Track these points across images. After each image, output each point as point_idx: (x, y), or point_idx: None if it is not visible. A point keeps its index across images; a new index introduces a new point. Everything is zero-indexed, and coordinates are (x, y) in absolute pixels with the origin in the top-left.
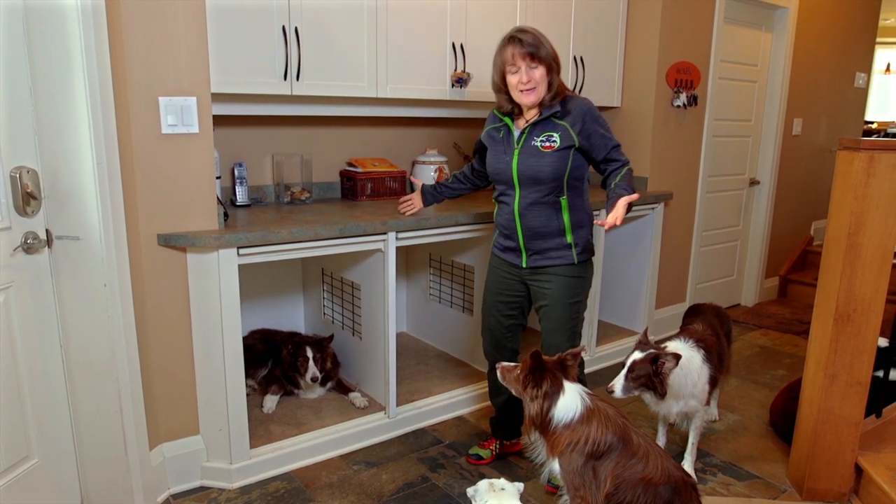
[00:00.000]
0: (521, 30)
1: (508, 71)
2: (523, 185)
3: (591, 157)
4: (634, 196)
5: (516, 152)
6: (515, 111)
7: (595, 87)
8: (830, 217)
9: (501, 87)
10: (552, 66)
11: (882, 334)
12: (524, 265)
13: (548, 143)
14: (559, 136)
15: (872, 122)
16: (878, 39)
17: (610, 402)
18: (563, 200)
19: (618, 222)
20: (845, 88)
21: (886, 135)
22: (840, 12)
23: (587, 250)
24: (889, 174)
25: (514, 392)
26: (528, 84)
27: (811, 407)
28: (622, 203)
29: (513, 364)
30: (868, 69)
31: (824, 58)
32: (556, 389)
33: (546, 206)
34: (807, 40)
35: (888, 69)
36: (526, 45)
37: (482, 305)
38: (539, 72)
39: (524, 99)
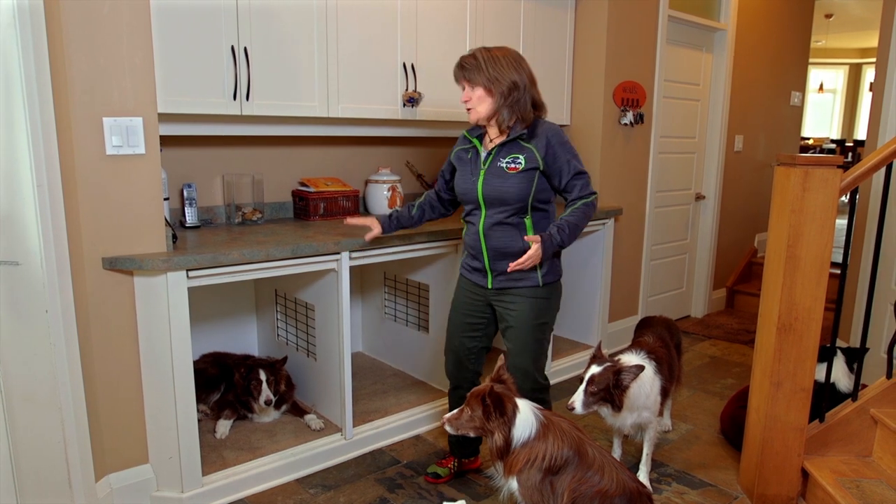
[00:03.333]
0: (468, 55)
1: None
2: (489, 205)
3: (553, 183)
4: (537, 251)
5: (482, 172)
6: (484, 131)
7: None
8: (770, 230)
9: None
10: (491, 89)
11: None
12: (490, 286)
13: (513, 165)
14: (525, 157)
15: (809, 139)
16: (811, 60)
17: (563, 415)
18: (528, 221)
19: (522, 267)
20: (782, 106)
21: (822, 150)
22: (775, 35)
23: (552, 272)
24: (823, 188)
25: (471, 434)
26: (466, 103)
27: (758, 414)
28: (530, 252)
29: (456, 411)
30: (802, 88)
31: (762, 77)
32: (515, 409)
33: (510, 226)
34: (745, 61)
35: (821, 88)
36: (462, 68)
37: (448, 325)
38: (477, 93)
39: (469, 117)
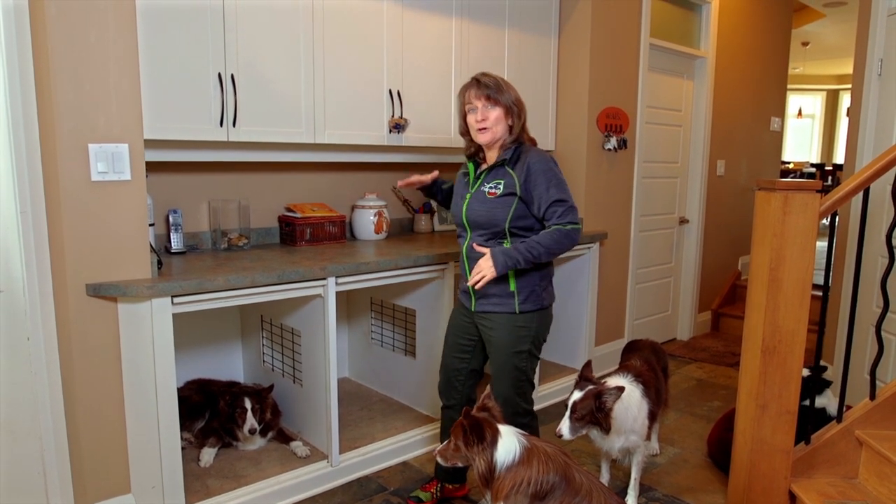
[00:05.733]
0: (484, 73)
1: (468, 111)
2: (472, 227)
3: (532, 211)
4: (486, 262)
5: (468, 196)
6: (480, 155)
7: (529, 131)
8: (753, 254)
9: (465, 129)
10: (511, 108)
11: (805, 362)
12: (473, 308)
13: (493, 190)
14: (504, 183)
15: (789, 163)
16: (790, 86)
17: (549, 440)
18: (506, 245)
19: (474, 284)
20: (762, 132)
21: (803, 174)
22: (754, 62)
23: (532, 300)
24: (803, 212)
25: (461, 464)
26: (482, 123)
27: (745, 437)
28: (480, 262)
29: (445, 443)
30: (782, 114)
31: (742, 103)
32: (495, 434)
33: None
34: (725, 87)
35: (800, 113)
36: (483, 86)
37: (443, 344)
38: (495, 113)
39: (480, 137)
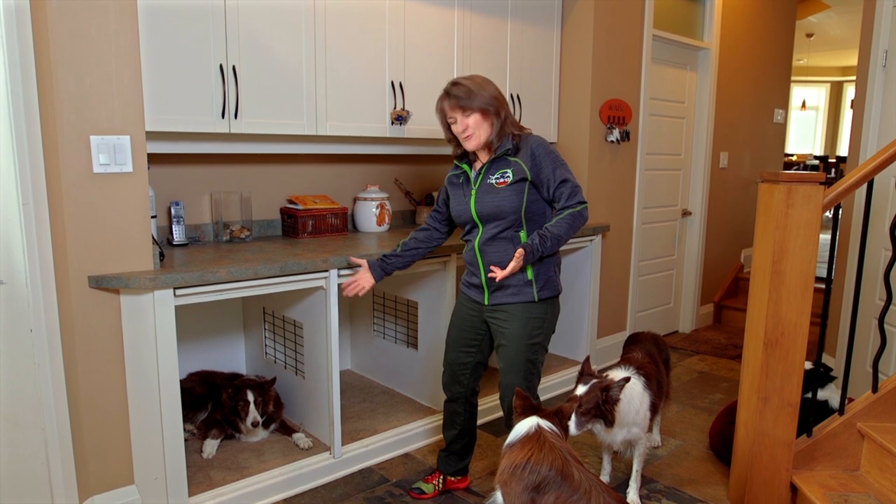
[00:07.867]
0: (455, 83)
1: (449, 122)
2: (484, 221)
3: (542, 194)
4: (518, 261)
5: (473, 192)
6: (471, 156)
7: (532, 123)
8: (755, 246)
9: (450, 136)
10: (487, 110)
11: (808, 355)
12: (486, 302)
13: (502, 180)
14: (512, 171)
15: (792, 155)
16: (793, 78)
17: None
18: (522, 235)
19: (499, 277)
20: (766, 124)
21: (806, 167)
22: (758, 53)
23: (549, 287)
24: (806, 205)
25: None
26: (465, 132)
27: (746, 429)
28: (511, 265)
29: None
30: (785, 105)
31: (745, 95)
32: (518, 413)
33: (505, 241)
34: (728, 79)
35: (804, 105)
36: (454, 97)
37: (446, 339)
38: (474, 118)
39: (467, 145)
